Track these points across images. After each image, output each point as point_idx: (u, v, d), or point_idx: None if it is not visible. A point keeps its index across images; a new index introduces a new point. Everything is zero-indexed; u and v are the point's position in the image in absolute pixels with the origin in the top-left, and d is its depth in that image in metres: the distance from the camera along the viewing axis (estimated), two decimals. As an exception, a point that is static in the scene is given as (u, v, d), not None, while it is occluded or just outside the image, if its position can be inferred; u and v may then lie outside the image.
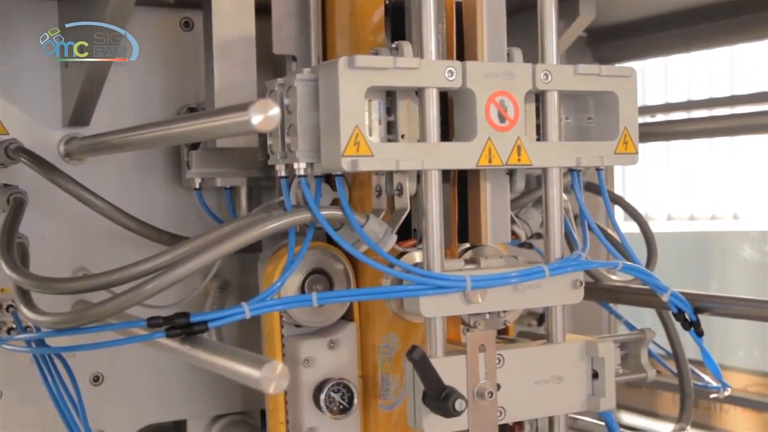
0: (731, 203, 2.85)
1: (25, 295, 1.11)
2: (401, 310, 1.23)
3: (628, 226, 1.38)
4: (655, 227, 1.60)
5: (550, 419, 1.22)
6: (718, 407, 1.97)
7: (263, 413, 1.41)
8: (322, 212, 1.12)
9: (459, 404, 1.06)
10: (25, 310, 1.10)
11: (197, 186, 1.42)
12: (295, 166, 1.11)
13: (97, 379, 1.45)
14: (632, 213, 1.62)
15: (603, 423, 1.28)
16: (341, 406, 1.27)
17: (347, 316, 1.30)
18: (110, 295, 1.05)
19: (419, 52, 1.10)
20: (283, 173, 1.15)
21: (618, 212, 1.71)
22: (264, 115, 0.91)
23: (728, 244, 2.50)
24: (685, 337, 1.44)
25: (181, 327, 1.02)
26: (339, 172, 1.10)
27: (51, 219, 1.42)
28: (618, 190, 2.21)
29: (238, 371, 0.94)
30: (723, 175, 2.85)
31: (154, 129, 1.19)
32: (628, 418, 2.04)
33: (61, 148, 1.41)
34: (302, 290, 1.24)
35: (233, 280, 1.51)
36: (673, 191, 2.99)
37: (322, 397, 1.26)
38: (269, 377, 0.90)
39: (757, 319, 1.35)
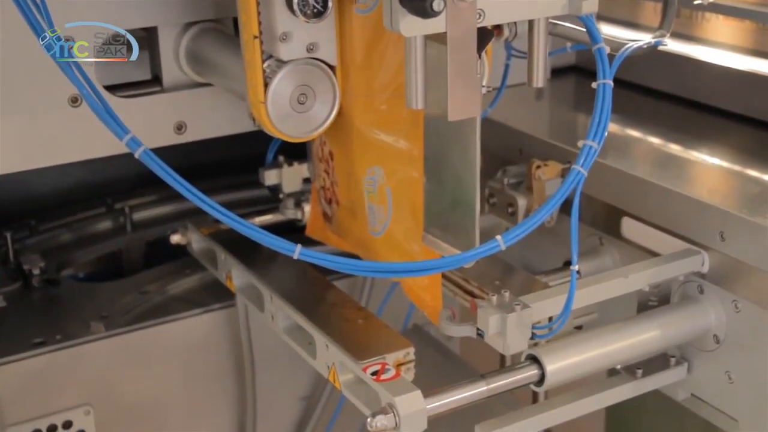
0: None
1: None
2: None
3: None
4: None
5: (530, 23, 1.19)
6: (700, 17, 1.94)
7: (236, 21, 1.38)
8: None
9: (437, 4, 1.01)
10: None
11: None
12: None
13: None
14: None
15: (584, 29, 1.25)
16: (315, 10, 1.23)
17: None
18: None
19: None
20: None
21: None
22: None
23: None
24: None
25: None
26: None
27: None
28: None
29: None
30: None
31: None
32: (608, 29, 2.01)
33: None
34: None
35: None
36: None
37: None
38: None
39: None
